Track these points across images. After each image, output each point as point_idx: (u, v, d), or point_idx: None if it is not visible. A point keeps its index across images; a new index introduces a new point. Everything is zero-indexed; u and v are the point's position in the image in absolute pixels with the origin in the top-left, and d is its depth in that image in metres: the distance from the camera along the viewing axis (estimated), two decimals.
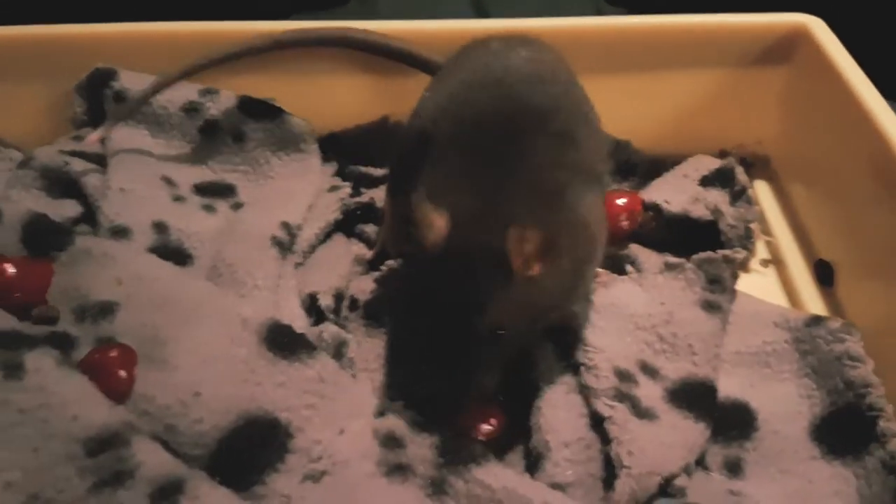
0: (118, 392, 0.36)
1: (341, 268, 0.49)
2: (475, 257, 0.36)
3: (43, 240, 0.46)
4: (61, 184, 0.52)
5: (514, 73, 0.41)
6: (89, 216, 0.51)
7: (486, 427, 0.39)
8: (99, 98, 0.57)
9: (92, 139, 0.54)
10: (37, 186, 0.52)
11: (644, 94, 0.59)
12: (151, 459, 0.31)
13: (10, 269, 0.43)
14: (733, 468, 0.39)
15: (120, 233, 0.48)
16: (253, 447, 0.36)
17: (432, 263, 0.37)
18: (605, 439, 0.38)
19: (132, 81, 0.56)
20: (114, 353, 0.37)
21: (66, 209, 0.51)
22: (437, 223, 0.36)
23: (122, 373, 0.36)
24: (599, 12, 0.90)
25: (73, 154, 0.54)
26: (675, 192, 0.53)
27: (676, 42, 0.58)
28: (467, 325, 0.37)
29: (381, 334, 0.45)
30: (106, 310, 0.41)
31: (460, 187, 0.38)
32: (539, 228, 0.34)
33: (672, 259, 0.48)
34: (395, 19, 0.61)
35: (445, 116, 0.41)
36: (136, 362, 0.37)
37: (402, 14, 0.67)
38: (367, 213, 0.54)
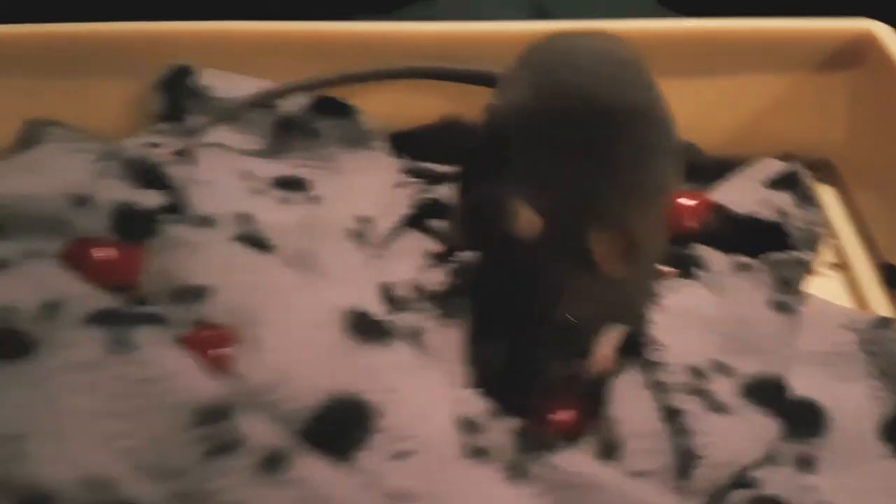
0: (217, 369, 0.37)
1: (414, 260, 0.51)
2: (559, 253, 0.37)
3: (133, 227, 0.48)
4: (146, 175, 0.55)
5: (602, 71, 0.42)
6: (173, 206, 0.53)
7: (560, 418, 0.40)
8: (178, 94, 0.59)
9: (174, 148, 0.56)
10: (122, 177, 0.55)
11: (709, 97, 0.60)
12: (257, 430, 0.33)
13: (105, 253, 0.45)
14: (804, 464, 0.40)
15: (206, 222, 0.50)
16: (341, 426, 0.38)
17: (514, 256, 0.38)
18: (679, 432, 0.39)
19: (213, 79, 0.59)
20: (212, 333, 0.39)
21: (152, 199, 0.53)
22: (530, 219, 0.38)
23: (221, 351, 0.38)
24: (657, 15, 0.91)
25: (155, 147, 0.56)
26: (742, 194, 0.54)
27: (743, 46, 0.59)
28: (544, 314, 0.38)
29: (455, 325, 0.47)
30: (198, 294, 0.43)
31: (548, 185, 0.39)
32: (624, 230, 0.36)
33: (742, 259, 0.48)
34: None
35: (528, 113, 0.43)
36: (232, 342, 0.39)
37: (462, 16, 0.69)
38: (437, 209, 0.56)
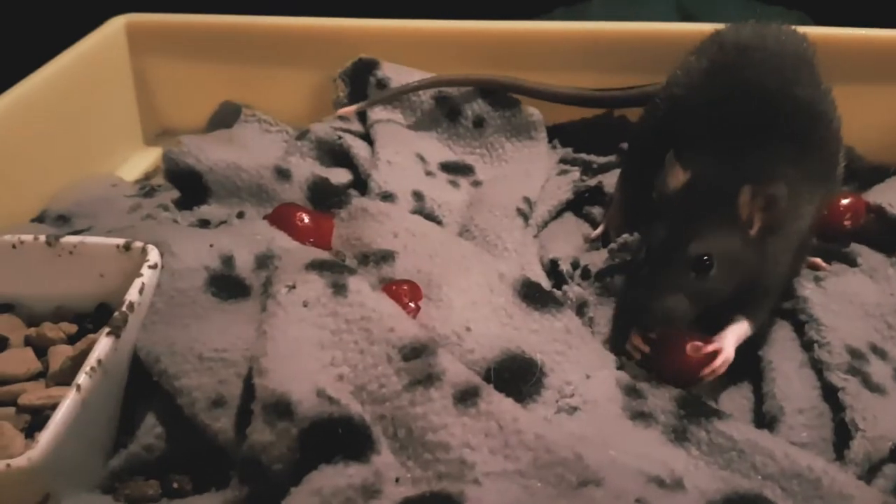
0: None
1: (572, 242, 0.55)
2: (704, 205, 0.41)
3: (325, 198, 0.54)
4: (333, 154, 0.61)
5: (772, 65, 0.45)
6: (357, 184, 0.59)
7: (703, 359, 0.41)
8: (362, 84, 0.65)
9: (347, 111, 0.63)
10: (312, 156, 0.61)
11: (870, 103, 0.61)
12: (453, 367, 0.38)
13: (306, 218, 0.51)
14: None
15: (388, 197, 0.55)
16: (515, 378, 0.41)
17: (667, 209, 0.42)
18: (838, 409, 0.41)
19: (392, 71, 0.64)
20: (405, 287, 0.44)
21: (339, 176, 0.59)
22: (679, 173, 0.42)
23: (412, 304, 0.43)
24: (801, 21, 0.91)
25: (342, 131, 0.62)
26: None
27: None
28: (678, 251, 0.41)
29: (612, 302, 0.50)
30: (386, 257, 0.48)
31: (703, 150, 0.43)
32: (769, 191, 0.40)
33: None
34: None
35: (701, 92, 0.47)
36: (422, 297, 0.44)
37: (611, 17, 0.72)
38: (595, 195, 0.59)
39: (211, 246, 0.45)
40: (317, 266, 0.42)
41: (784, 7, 0.95)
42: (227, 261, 0.45)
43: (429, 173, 0.59)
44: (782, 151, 0.44)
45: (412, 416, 0.36)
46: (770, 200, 0.40)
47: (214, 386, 0.38)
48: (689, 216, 0.42)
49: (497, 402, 0.36)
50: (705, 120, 0.46)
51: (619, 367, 0.44)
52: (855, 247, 0.52)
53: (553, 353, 0.44)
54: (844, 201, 0.54)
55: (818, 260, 0.51)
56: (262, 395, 0.35)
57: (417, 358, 0.38)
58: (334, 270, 0.41)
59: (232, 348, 0.39)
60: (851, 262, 0.51)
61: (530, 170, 0.60)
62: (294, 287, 0.40)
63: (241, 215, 0.54)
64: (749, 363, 0.45)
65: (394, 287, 0.43)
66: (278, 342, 0.37)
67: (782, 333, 0.46)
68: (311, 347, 0.38)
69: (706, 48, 0.50)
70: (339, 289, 0.40)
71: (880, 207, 0.54)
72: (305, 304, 0.39)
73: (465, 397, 0.36)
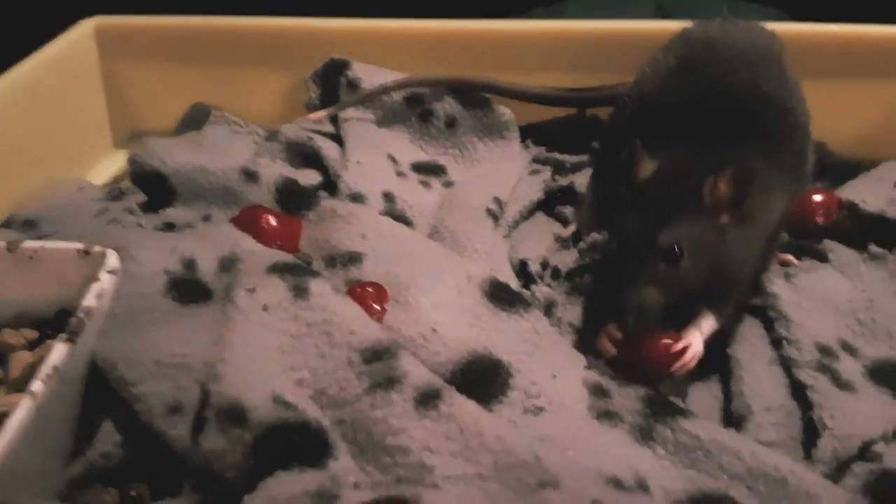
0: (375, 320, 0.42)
1: (543, 241, 0.55)
2: (672, 194, 0.41)
3: (293, 200, 0.54)
4: (303, 156, 0.60)
5: (739, 61, 0.45)
6: (327, 185, 0.58)
7: (673, 355, 0.41)
8: (333, 85, 0.65)
9: (318, 115, 0.62)
10: (282, 157, 0.60)
11: (842, 100, 0.60)
12: (415, 370, 0.37)
13: (272, 220, 0.50)
14: None
15: (357, 198, 0.55)
16: (481, 380, 0.40)
17: (635, 200, 0.42)
18: (806, 407, 0.41)
19: (363, 72, 0.64)
20: (371, 289, 0.43)
21: (308, 177, 0.58)
22: (647, 162, 0.42)
23: (377, 306, 0.42)
24: (778, 17, 0.91)
25: (312, 132, 0.62)
26: (871, 193, 0.54)
27: (877, 51, 0.60)
28: (648, 241, 0.40)
29: (581, 302, 0.49)
30: (354, 258, 0.47)
31: (671, 143, 0.43)
32: (736, 177, 0.39)
33: (875, 249, 0.49)
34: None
35: (669, 90, 0.47)
36: (388, 299, 0.43)
37: (589, 15, 0.71)
38: (566, 195, 0.59)
39: (172, 250, 0.44)
40: (278, 269, 0.41)
41: (761, 4, 0.95)
42: (189, 264, 0.45)
43: (400, 174, 0.59)
44: (750, 146, 0.43)
45: (372, 419, 0.35)
46: (737, 188, 0.40)
47: (172, 392, 0.37)
48: (658, 206, 0.41)
49: (459, 405, 0.36)
50: (674, 117, 0.46)
51: (587, 367, 0.44)
52: (827, 243, 0.52)
53: (520, 353, 0.43)
54: (817, 198, 0.54)
55: (789, 256, 0.50)
56: (215, 402, 0.34)
57: (379, 361, 0.37)
58: (296, 273, 0.41)
59: (191, 354, 0.39)
60: (823, 258, 0.51)
61: (502, 170, 0.59)
62: (254, 290, 0.40)
63: (207, 218, 0.53)
64: (718, 361, 0.45)
65: (359, 289, 0.43)
66: (236, 347, 0.37)
67: (751, 331, 0.45)
68: (271, 352, 0.37)
69: (674, 45, 0.50)
70: (301, 292, 0.40)
71: (853, 203, 0.54)
72: (265, 308, 0.39)
73: (427, 400, 0.36)
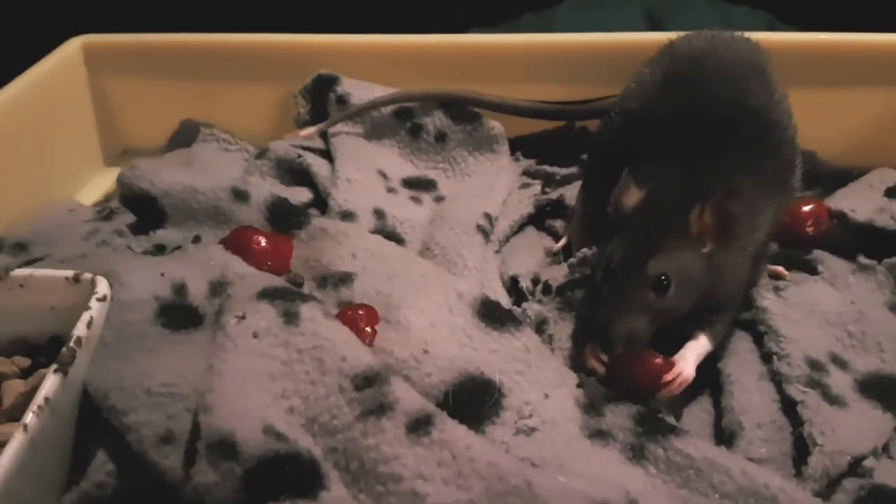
0: (364, 344, 0.42)
1: (534, 256, 0.55)
2: (659, 223, 0.41)
3: (284, 219, 0.53)
4: (293, 173, 0.60)
5: (726, 75, 0.45)
6: (317, 203, 0.58)
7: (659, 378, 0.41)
8: (322, 100, 0.65)
9: (308, 132, 0.63)
10: (272, 175, 0.60)
11: (831, 108, 0.61)
12: (406, 396, 0.37)
13: (263, 241, 0.50)
14: None
15: (348, 216, 0.55)
16: (473, 401, 0.41)
17: (623, 227, 0.42)
18: (797, 423, 0.41)
19: (352, 87, 0.64)
20: (361, 311, 0.43)
21: (299, 195, 0.58)
22: (634, 190, 0.42)
23: (368, 328, 0.42)
24: (771, 29, 0.92)
25: (302, 149, 0.62)
26: (861, 202, 0.55)
27: (866, 59, 0.60)
28: (636, 270, 0.40)
29: (573, 317, 0.49)
30: (345, 279, 0.47)
31: (657, 163, 0.43)
32: (720, 208, 0.40)
33: (864, 260, 0.50)
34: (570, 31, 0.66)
35: (655, 105, 0.47)
36: (379, 321, 0.43)
37: (578, 23, 0.71)
38: (556, 209, 0.59)
39: (162, 275, 0.44)
40: (268, 294, 0.41)
41: (749, 7, 0.95)
42: (179, 289, 0.45)
43: (390, 190, 0.59)
44: (736, 162, 0.43)
45: (364, 447, 0.35)
46: (722, 217, 0.40)
47: (163, 422, 0.37)
48: (645, 234, 0.42)
49: (450, 430, 0.36)
50: (660, 133, 0.46)
51: (579, 385, 0.44)
52: (817, 253, 0.52)
53: (512, 372, 0.43)
54: (806, 208, 0.54)
55: (780, 268, 0.51)
56: (206, 434, 0.34)
57: (370, 387, 0.37)
58: (286, 298, 0.41)
59: (182, 382, 0.39)
60: (812, 269, 0.51)
61: (493, 183, 0.60)
62: (244, 317, 0.40)
63: (196, 239, 0.53)
64: (709, 376, 0.45)
65: (349, 312, 0.43)
66: (225, 377, 0.37)
67: (742, 345, 0.46)
68: (261, 380, 0.37)
69: (659, 59, 0.50)
70: (291, 317, 0.40)
71: (842, 213, 0.54)
72: (255, 335, 0.39)
73: (418, 426, 0.36)
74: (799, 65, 0.60)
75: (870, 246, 0.52)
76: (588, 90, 0.62)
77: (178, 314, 0.43)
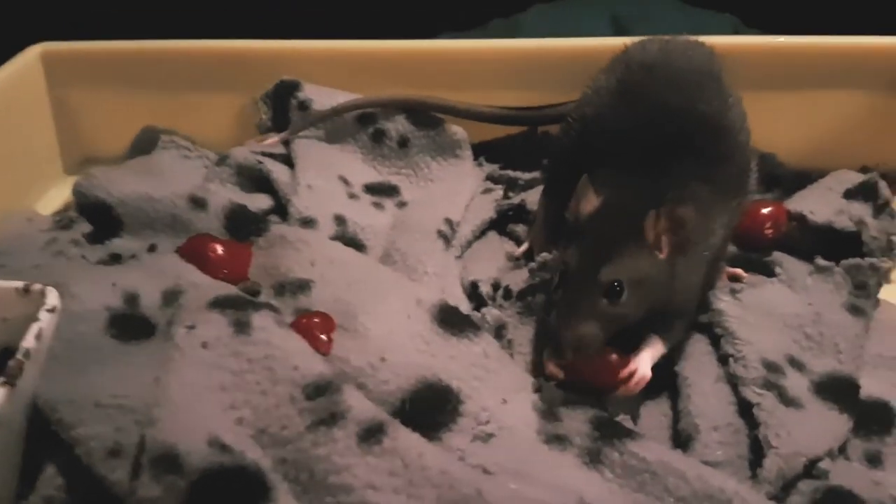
0: (320, 352, 0.41)
1: (496, 261, 0.55)
2: (615, 230, 0.41)
3: (243, 226, 0.53)
4: (253, 180, 0.60)
5: (679, 82, 0.45)
6: (278, 209, 0.58)
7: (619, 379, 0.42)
8: (284, 107, 0.64)
9: (271, 140, 0.62)
10: (232, 182, 0.60)
11: (790, 110, 0.62)
12: (358, 405, 0.37)
13: (219, 249, 0.50)
14: (873, 460, 0.41)
15: (308, 223, 0.54)
16: (430, 408, 0.40)
17: (580, 234, 0.42)
18: (753, 425, 0.41)
19: (314, 93, 0.63)
20: (317, 319, 0.43)
21: (259, 202, 0.58)
22: (592, 197, 0.42)
23: (324, 336, 0.42)
24: (736, 32, 0.92)
25: (263, 155, 0.61)
26: (820, 204, 0.55)
27: (825, 62, 0.61)
28: (589, 277, 0.40)
29: (533, 322, 0.49)
30: (303, 286, 0.47)
31: (613, 170, 0.43)
32: (675, 213, 0.40)
33: (822, 262, 0.50)
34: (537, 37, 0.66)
35: (610, 112, 0.47)
36: (335, 328, 0.43)
37: (546, 29, 0.71)
38: (518, 213, 0.59)
39: (114, 285, 0.44)
40: (219, 304, 0.41)
41: (715, 11, 0.96)
42: (131, 299, 0.44)
43: (352, 196, 0.59)
44: (689, 169, 0.44)
45: (314, 457, 0.35)
46: (676, 222, 0.40)
47: (112, 434, 0.36)
48: (601, 241, 0.42)
49: (403, 438, 0.36)
50: (615, 139, 0.46)
51: (537, 390, 0.44)
52: (776, 255, 0.53)
53: (470, 378, 0.43)
54: (765, 210, 0.54)
55: (738, 270, 0.51)
56: (150, 447, 0.34)
57: (322, 396, 0.37)
58: (238, 307, 0.40)
59: (132, 394, 0.38)
60: (770, 272, 0.51)
61: (456, 189, 0.59)
62: (194, 327, 0.39)
63: (152, 248, 0.52)
64: (666, 378, 0.45)
65: (304, 320, 0.42)
66: (172, 388, 0.36)
67: (698, 348, 0.46)
68: (210, 391, 0.37)
69: (614, 66, 0.50)
70: (242, 327, 0.39)
71: (801, 215, 0.54)
72: (205, 345, 0.38)
73: (370, 435, 0.35)
74: (759, 68, 0.60)
75: (828, 248, 0.53)
76: (554, 95, 0.62)
77: (130, 325, 0.43)
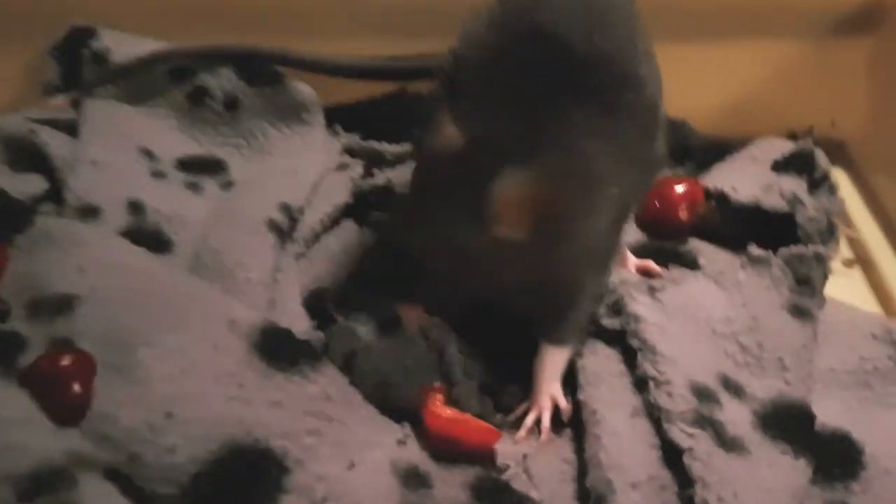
0: (70, 411, 0.29)
1: (351, 260, 0.43)
2: (472, 193, 0.32)
3: (2, 219, 0.39)
4: (26, 156, 0.46)
5: (577, 14, 0.35)
6: (55, 193, 0.44)
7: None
8: (76, 61, 0.50)
9: (58, 102, 0.49)
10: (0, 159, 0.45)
11: (702, 66, 0.52)
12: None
13: None
14: None
15: (89, 213, 0.41)
16: (237, 485, 0.30)
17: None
18: (685, 481, 0.31)
19: (113, 41, 0.50)
20: (66, 362, 0.30)
21: (30, 185, 0.44)
22: (452, 134, 0.33)
23: (77, 386, 0.29)
24: None
25: (43, 123, 0.47)
26: (743, 179, 0.46)
27: (741, 8, 0.52)
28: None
29: (395, 342, 0.38)
30: (64, 304, 0.34)
31: (484, 117, 0.34)
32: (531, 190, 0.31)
33: (756, 251, 0.41)
34: None
35: (487, 45, 0.36)
36: (95, 373, 0.30)
37: None
38: (383, 197, 0.47)
39: None
40: None
41: None
42: None
43: (157, 174, 0.46)
44: (576, 120, 0.33)
45: None
46: (554, 188, 0.31)
47: None
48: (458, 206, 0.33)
49: None
50: (490, 80, 0.35)
51: (401, 441, 0.32)
52: (694, 244, 0.43)
53: (303, 434, 0.32)
54: (678, 188, 0.46)
55: (650, 263, 0.41)
56: None
57: (43, 494, 0.24)
58: None
59: None
60: (691, 263, 0.41)
61: (297, 166, 0.47)
62: None
63: None
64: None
65: (46, 364, 0.29)
66: None
67: (608, 367, 0.36)
68: None
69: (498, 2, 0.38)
70: None
71: (721, 193, 0.45)
72: None
73: None
74: (665, 15, 0.50)
75: (757, 232, 0.44)
76: (433, 43, 0.50)
77: None
